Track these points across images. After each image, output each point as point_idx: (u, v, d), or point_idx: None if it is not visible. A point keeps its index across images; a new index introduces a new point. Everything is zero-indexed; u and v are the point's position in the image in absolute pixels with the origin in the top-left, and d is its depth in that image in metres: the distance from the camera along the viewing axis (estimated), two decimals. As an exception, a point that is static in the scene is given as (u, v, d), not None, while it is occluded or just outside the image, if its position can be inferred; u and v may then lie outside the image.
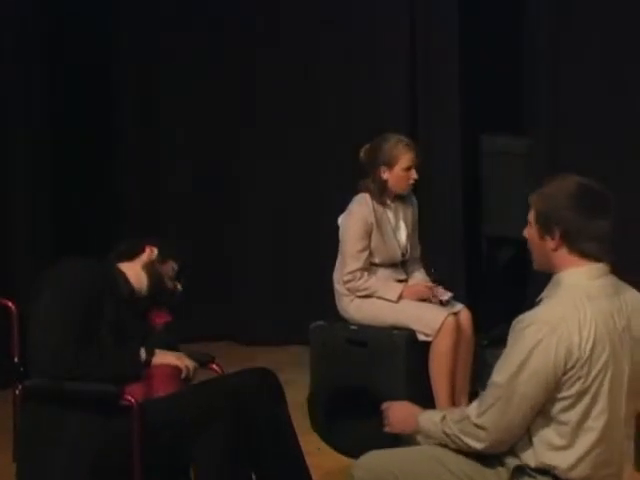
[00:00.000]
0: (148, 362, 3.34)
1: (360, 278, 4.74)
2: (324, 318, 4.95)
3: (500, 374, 2.79)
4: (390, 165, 4.74)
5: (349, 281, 4.74)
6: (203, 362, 3.53)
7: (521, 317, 2.82)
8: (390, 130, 5.08)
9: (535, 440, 2.77)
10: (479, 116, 5.96)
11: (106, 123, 6.30)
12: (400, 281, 4.86)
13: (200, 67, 6.33)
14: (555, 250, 2.81)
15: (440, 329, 4.64)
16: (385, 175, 4.76)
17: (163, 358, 3.36)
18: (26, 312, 3.34)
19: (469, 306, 4.88)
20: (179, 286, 3.59)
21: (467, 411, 2.85)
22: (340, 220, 4.81)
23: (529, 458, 2.78)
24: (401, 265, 4.89)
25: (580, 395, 2.73)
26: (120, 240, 3.65)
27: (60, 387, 3.21)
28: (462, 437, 2.83)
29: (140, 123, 6.43)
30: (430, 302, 4.77)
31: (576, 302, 2.78)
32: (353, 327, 4.82)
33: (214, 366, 3.60)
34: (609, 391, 2.75)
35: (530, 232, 2.86)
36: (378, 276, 4.79)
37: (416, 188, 4.92)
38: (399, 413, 3.05)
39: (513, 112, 6.05)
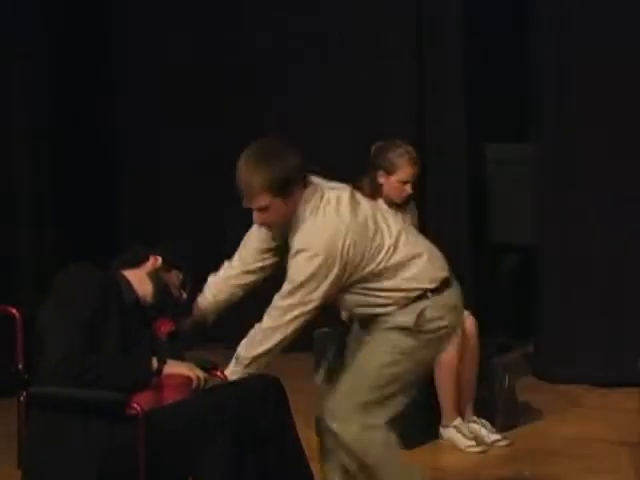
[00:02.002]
0: (159, 371, 3.33)
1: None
2: (328, 325, 4.94)
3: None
4: (388, 172, 4.74)
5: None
6: (207, 369, 3.52)
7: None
8: (396, 135, 5.08)
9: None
10: (484, 123, 5.95)
11: (106, 126, 6.29)
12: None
13: (201, 66, 6.30)
14: (295, 199, 3.36)
15: (445, 336, 4.64)
16: (381, 180, 4.77)
17: (175, 368, 3.35)
18: (31, 318, 3.34)
19: (474, 313, 4.87)
20: (184, 295, 3.59)
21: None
22: None
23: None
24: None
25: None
26: (124, 246, 3.63)
27: (65, 394, 3.20)
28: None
29: (140, 125, 6.43)
30: None
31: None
32: (357, 334, 4.81)
33: (218, 373, 3.59)
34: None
35: (269, 212, 3.35)
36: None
37: (418, 196, 4.92)
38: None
39: (518, 119, 6.04)
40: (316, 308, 3.46)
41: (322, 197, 3.46)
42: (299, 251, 3.40)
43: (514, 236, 6.00)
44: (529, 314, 5.86)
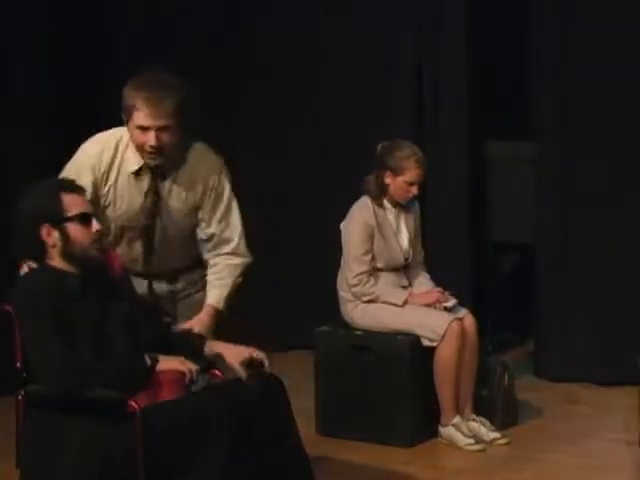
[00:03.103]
0: (152, 368, 3.33)
1: (367, 282, 4.75)
2: (328, 323, 4.95)
3: None
4: (395, 173, 4.74)
5: (356, 285, 4.74)
6: (203, 367, 3.51)
7: None
8: (397, 134, 5.07)
9: None
10: (485, 121, 5.94)
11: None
12: (404, 288, 4.86)
13: (209, 51, 6.24)
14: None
15: (444, 334, 4.64)
16: (388, 180, 4.77)
17: (166, 364, 3.35)
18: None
19: (474, 312, 4.87)
20: (96, 225, 3.34)
21: None
22: (342, 225, 4.82)
23: None
24: (403, 270, 4.88)
25: None
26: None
27: (63, 393, 3.20)
28: None
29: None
30: (435, 308, 4.77)
31: None
32: (357, 332, 4.83)
33: (216, 372, 3.59)
34: None
35: (172, 135, 3.65)
36: (382, 281, 4.79)
37: (421, 196, 4.92)
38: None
39: (519, 117, 6.03)
40: None
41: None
42: (225, 185, 3.91)
43: (514, 235, 5.99)
44: (529, 313, 5.85)
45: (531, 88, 5.84)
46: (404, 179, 4.75)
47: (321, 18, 6.07)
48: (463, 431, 4.67)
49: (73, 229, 3.30)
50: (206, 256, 3.94)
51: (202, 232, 3.91)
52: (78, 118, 5.99)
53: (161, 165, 3.73)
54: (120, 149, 3.76)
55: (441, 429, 4.73)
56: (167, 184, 3.79)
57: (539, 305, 5.72)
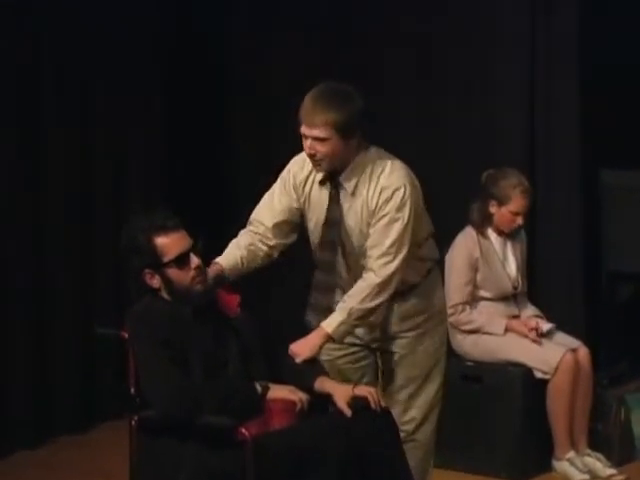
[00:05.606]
0: (263, 396, 3.34)
1: (462, 312, 4.70)
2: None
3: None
4: (500, 203, 4.70)
5: (451, 315, 4.70)
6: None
7: None
8: (507, 162, 5.01)
9: None
10: (600, 149, 5.84)
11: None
12: (514, 317, 4.79)
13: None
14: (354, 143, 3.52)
15: (558, 367, 4.57)
16: (493, 209, 4.73)
17: (278, 392, 3.36)
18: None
19: (588, 344, 4.78)
20: (194, 261, 3.37)
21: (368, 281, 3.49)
22: (446, 257, 4.79)
23: None
24: (513, 299, 4.82)
25: None
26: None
27: (175, 420, 3.22)
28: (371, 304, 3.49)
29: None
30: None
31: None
32: (468, 363, 4.77)
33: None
34: None
35: (328, 145, 3.45)
36: (483, 310, 4.73)
37: (532, 226, 4.86)
38: (299, 343, 3.49)
39: (634, 144, 5.91)
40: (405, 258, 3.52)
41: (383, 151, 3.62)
42: (397, 189, 3.51)
43: (630, 265, 5.86)
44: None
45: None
46: (509, 209, 4.70)
47: (434, 38, 6.02)
48: (578, 466, 4.57)
49: (172, 272, 3.36)
50: None
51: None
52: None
53: (326, 173, 3.57)
54: None
55: (555, 463, 4.64)
56: (347, 196, 3.57)
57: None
